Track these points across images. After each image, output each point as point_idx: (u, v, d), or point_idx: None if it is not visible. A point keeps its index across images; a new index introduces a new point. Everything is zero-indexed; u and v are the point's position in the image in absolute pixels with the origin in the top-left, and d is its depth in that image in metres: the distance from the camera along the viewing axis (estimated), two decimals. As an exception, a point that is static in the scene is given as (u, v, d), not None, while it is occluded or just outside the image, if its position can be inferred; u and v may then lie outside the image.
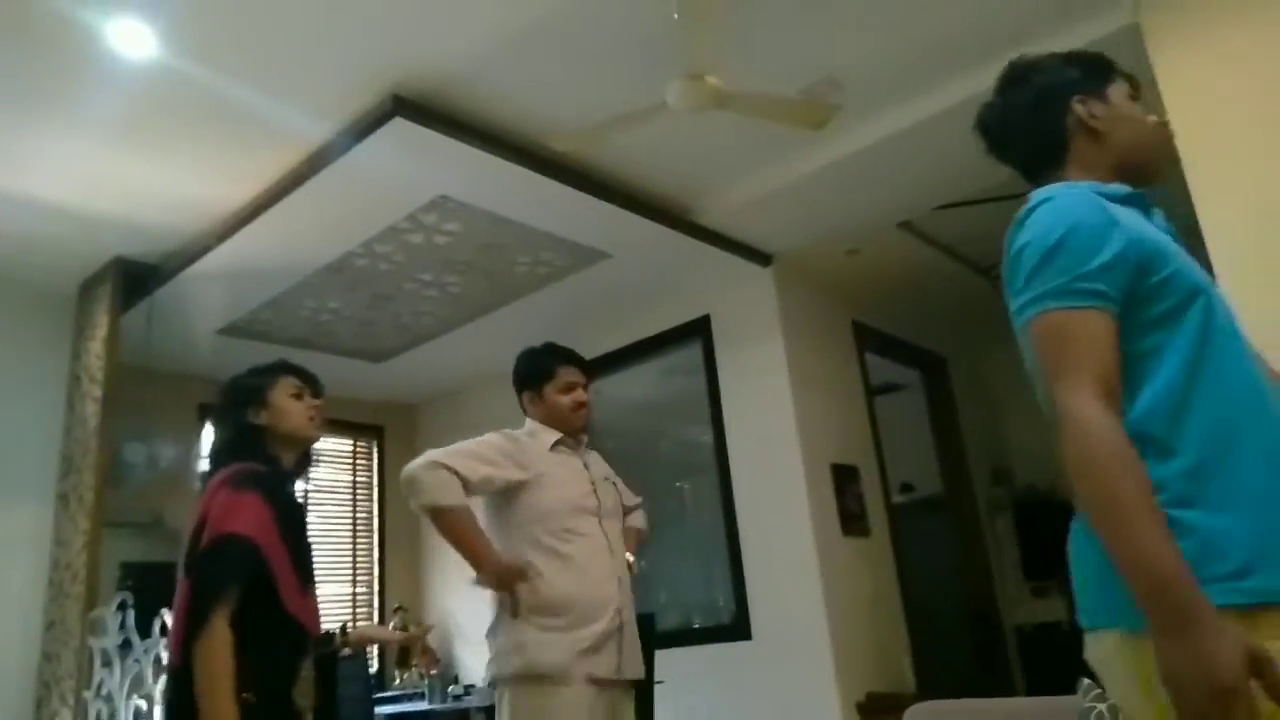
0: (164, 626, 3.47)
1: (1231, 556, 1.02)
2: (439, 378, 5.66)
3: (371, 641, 3.08)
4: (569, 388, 2.50)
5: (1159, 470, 1.07)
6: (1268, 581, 1.00)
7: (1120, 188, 1.29)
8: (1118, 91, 1.37)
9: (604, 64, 3.00)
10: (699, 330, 4.70)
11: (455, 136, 3.15)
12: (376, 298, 4.40)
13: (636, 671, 2.32)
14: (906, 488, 5.79)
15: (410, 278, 4.24)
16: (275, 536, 1.78)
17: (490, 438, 2.36)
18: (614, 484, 2.55)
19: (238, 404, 1.97)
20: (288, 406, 1.98)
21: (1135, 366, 1.14)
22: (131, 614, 3.47)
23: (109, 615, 3.48)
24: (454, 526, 2.20)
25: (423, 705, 4.36)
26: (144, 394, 4.28)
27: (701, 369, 4.66)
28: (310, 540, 1.96)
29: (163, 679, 3.44)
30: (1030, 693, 4.84)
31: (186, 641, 1.69)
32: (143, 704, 3.37)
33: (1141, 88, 1.42)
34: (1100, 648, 1.10)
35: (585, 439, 2.56)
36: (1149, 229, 1.23)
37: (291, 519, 1.87)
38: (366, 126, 3.07)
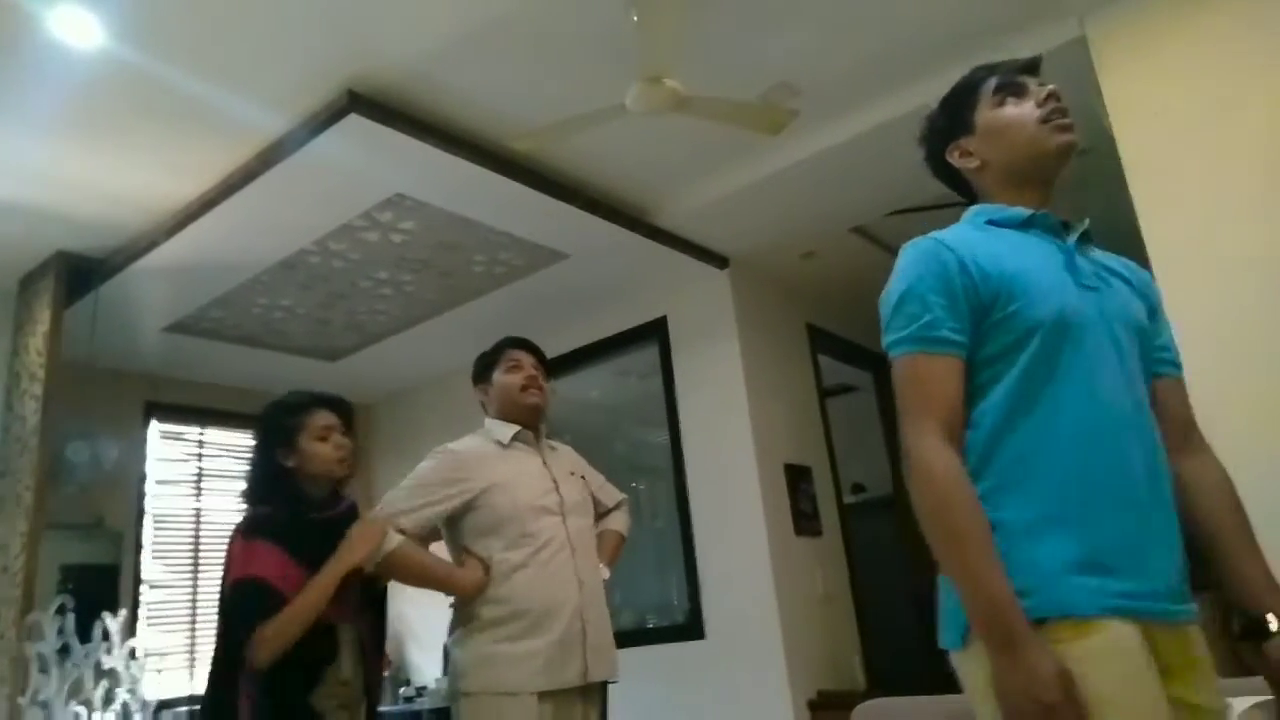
0: (105, 631, 3.39)
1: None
2: (393, 377, 5.60)
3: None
4: (515, 366, 2.41)
5: None
6: (1034, 605, 1.11)
7: (1018, 212, 1.34)
8: (984, 112, 1.39)
9: (563, 64, 3.00)
10: (655, 331, 4.72)
11: (412, 134, 3.12)
12: (330, 296, 4.35)
13: (605, 673, 2.25)
14: (858, 488, 5.88)
15: (365, 276, 4.19)
16: (293, 569, 1.94)
17: (426, 468, 2.25)
18: (583, 478, 2.46)
19: (268, 444, 2.10)
20: (315, 451, 2.09)
21: (969, 401, 1.25)
22: (71, 618, 3.38)
23: (47, 620, 3.38)
24: (403, 565, 2.12)
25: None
26: (87, 392, 4.17)
27: (658, 370, 4.68)
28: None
29: (103, 684, 3.37)
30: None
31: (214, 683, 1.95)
32: (81, 710, 3.28)
33: (1034, 62, 1.44)
34: (956, 665, 1.22)
35: (545, 429, 2.46)
36: (1013, 263, 1.27)
37: (313, 544, 2.00)
38: (321, 122, 3.03)
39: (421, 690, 4.85)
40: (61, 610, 3.39)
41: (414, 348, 5.09)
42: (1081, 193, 4.11)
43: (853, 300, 5.21)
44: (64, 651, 3.36)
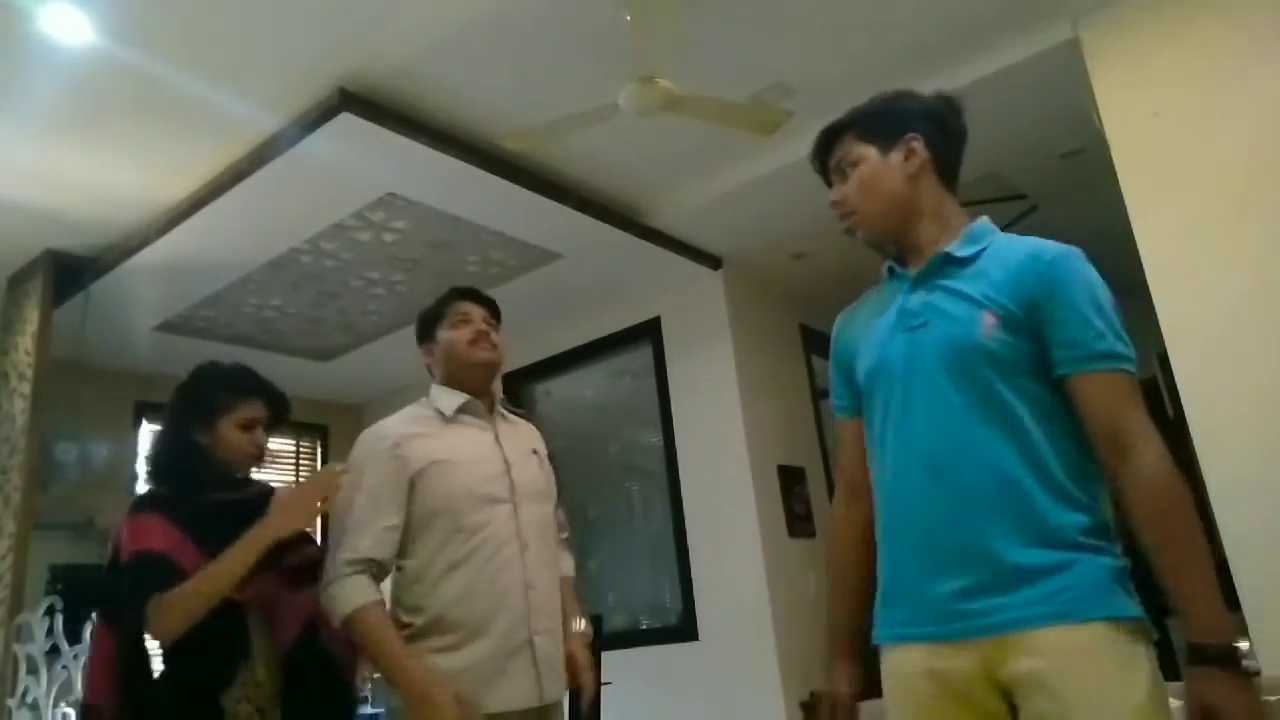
0: (94, 633, 3.36)
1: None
2: (385, 378, 5.57)
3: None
4: (463, 320, 1.99)
5: None
6: (877, 633, 1.39)
7: (890, 268, 1.49)
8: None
9: (556, 63, 2.99)
10: (649, 332, 4.71)
11: (404, 133, 3.10)
12: (322, 295, 4.33)
13: (558, 692, 1.85)
14: (852, 490, 5.87)
15: (357, 276, 4.17)
16: (189, 549, 1.71)
17: (367, 467, 1.82)
18: (542, 458, 2.03)
19: (185, 414, 1.88)
20: (232, 440, 1.86)
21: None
22: (60, 619, 3.35)
23: (36, 620, 3.36)
24: (361, 631, 1.71)
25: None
26: (77, 391, 4.15)
27: (651, 371, 4.67)
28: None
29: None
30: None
31: (117, 681, 1.71)
32: (70, 711, 3.26)
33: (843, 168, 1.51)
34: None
35: (499, 398, 2.03)
36: (861, 329, 1.49)
37: (210, 526, 1.75)
38: (312, 121, 3.01)
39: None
40: (50, 611, 3.36)
41: (406, 348, 5.00)
42: (1074, 193, 4.13)
43: (847, 301, 5.18)
44: (53, 652, 3.33)
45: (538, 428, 2.15)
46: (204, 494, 1.83)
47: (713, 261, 4.47)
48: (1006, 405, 1.26)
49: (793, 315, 4.98)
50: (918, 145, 1.42)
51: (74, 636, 3.34)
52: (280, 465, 5.64)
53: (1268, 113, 2.58)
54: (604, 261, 4.29)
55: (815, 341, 5.07)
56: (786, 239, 4.38)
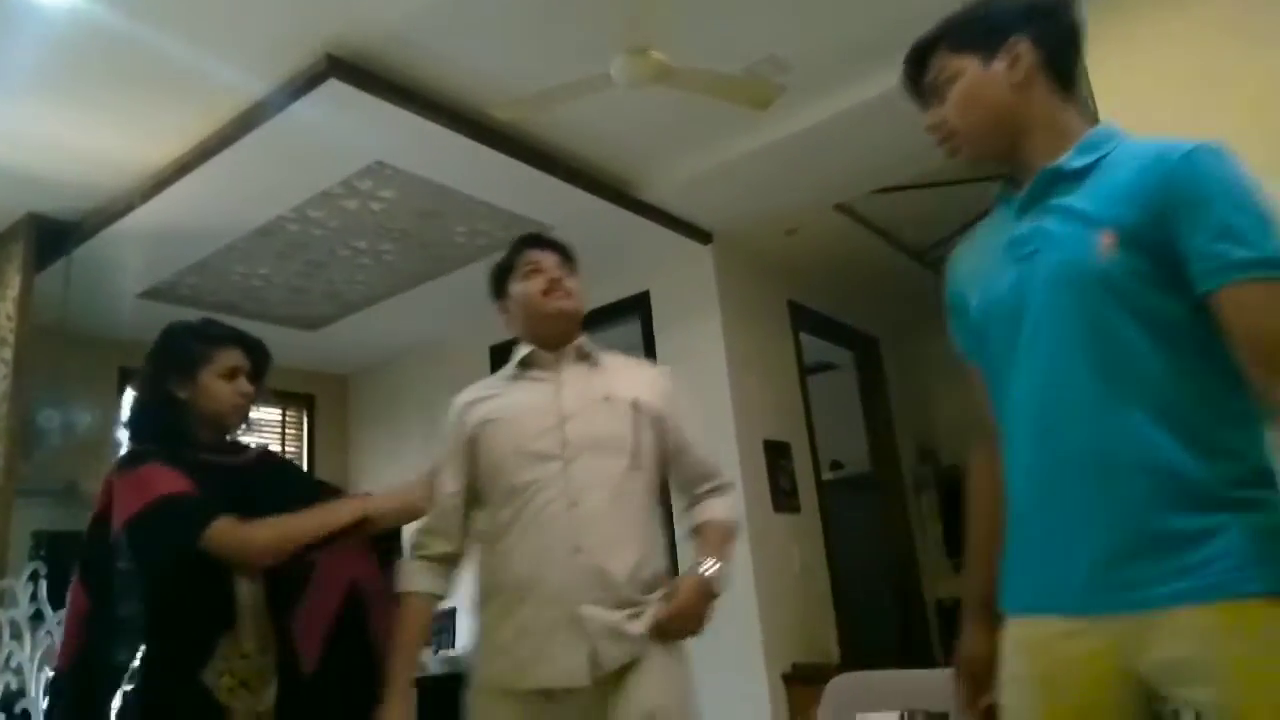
0: (70, 595, 3.36)
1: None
2: (372, 348, 5.55)
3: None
4: (534, 270, 1.87)
5: None
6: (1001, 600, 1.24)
7: (1000, 192, 1.33)
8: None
9: (548, 32, 2.95)
10: (638, 306, 4.70)
11: (393, 101, 3.06)
12: (309, 264, 4.29)
13: (619, 657, 1.63)
14: (836, 465, 5.92)
15: (344, 245, 4.14)
16: (197, 489, 1.63)
17: (446, 438, 1.85)
18: (619, 403, 1.79)
19: (163, 369, 1.78)
20: (215, 389, 1.77)
21: None
22: (44, 585, 3.34)
23: (19, 586, 3.35)
24: (400, 614, 1.74)
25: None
26: (60, 357, 4.10)
27: (640, 345, 4.66)
28: (262, 489, 1.78)
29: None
30: (948, 664, 5.00)
31: (80, 650, 1.63)
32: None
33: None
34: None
35: (578, 342, 1.89)
36: (972, 264, 1.34)
37: (214, 489, 1.66)
38: (299, 87, 2.97)
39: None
40: (34, 577, 3.35)
41: (393, 319, 5.05)
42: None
43: (835, 278, 5.21)
44: (37, 618, 3.32)
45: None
46: (194, 453, 1.72)
47: (703, 236, 4.46)
48: (1128, 344, 1.09)
49: (782, 292, 4.98)
50: (1024, 49, 1.22)
51: (58, 602, 3.34)
52: (266, 434, 5.61)
53: (1266, 93, 2.58)
54: (593, 234, 4.25)
55: (804, 318, 5.07)
56: (778, 215, 4.37)
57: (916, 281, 5.50)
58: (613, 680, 1.61)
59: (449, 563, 1.78)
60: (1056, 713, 1.11)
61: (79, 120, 3.19)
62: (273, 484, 1.84)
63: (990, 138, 1.27)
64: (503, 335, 5.06)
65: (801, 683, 3.89)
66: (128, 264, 4.07)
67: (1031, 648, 1.15)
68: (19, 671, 3.29)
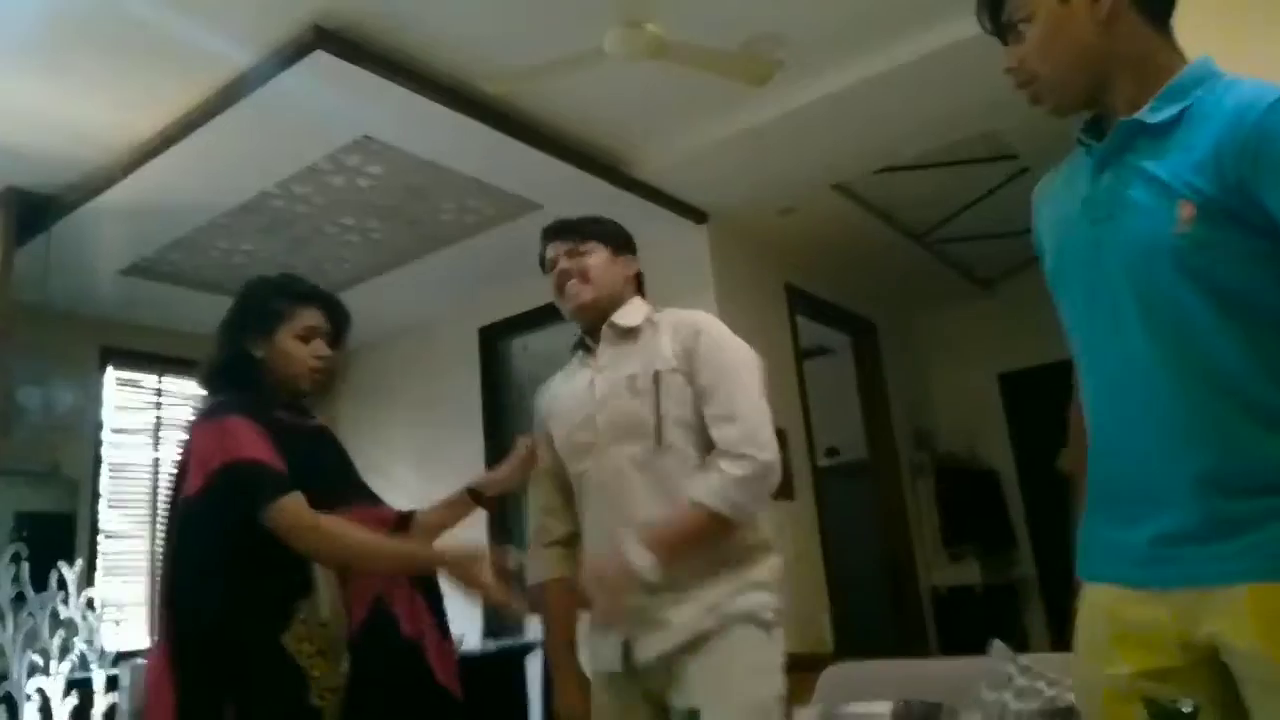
0: (60, 580, 3.32)
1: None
2: (359, 327, 5.22)
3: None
4: (551, 264, 1.87)
5: None
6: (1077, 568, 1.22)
7: (1079, 136, 1.21)
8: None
9: (541, 4, 2.88)
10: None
11: (381, 74, 2.99)
12: (294, 241, 4.23)
13: (657, 647, 1.60)
14: (832, 451, 5.87)
15: (330, 221, 4.07)
16: (280, 462, 1.59)
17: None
18: (639, 379, 1.69)
19: (241, 326, 1.77)
20: (291, 350, 1.75)
21: None
22: (26, 566, 3.31)
23: (1, 568, 3.31)
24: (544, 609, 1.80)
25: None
26: (40, 335, 4.04)
27: (632, 326, 4.61)
28: (333, 460, 1.81)
29: (59, 634, 3.29)
30: (944, 653, 4.99)
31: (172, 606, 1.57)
32: (38, 659, 3.23)
33: None
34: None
35: (613, 318, 1.79)
36: (1051, 208, 1.26)
37: (293, 446, 1.65)
38: (285, 59, 2.90)
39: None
40: (16, 559, 3.32)
41: (380, 298, 4.97)
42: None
43: (833, 260, 5.15)
44: (19, 600, 3.29)
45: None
46: (269, 410, 1.70)
47: (697, 215, 4.39)
48: (1199, 321, 1.03)
49: (779, 273, 4.92)
50: None
51: (40, 584, 3.29)
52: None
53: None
54: (585, 213, 4.19)
55: (801, 300, 5.01)
56: (774, 194, 4.30)
57: (915, 264, 5.44)
58: (678, 660, 1.58)
59: (572, 543, 1.78)
60: (1126, 671, 1.11)
61: (59, 91, 3.11)
62: (335, 456, 1.85)
63: (1075, 83, 1.15)
64: (492, 316, 5.05)
65: (795, 671, 3.84)
66: (109, 240, 4.01)
67: (1102, 611, 1.15)
68: (2, 654, 3.25)
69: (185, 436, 1.67)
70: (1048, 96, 1.18)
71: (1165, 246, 1.04)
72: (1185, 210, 1.02)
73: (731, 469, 1.61)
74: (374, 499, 1.87)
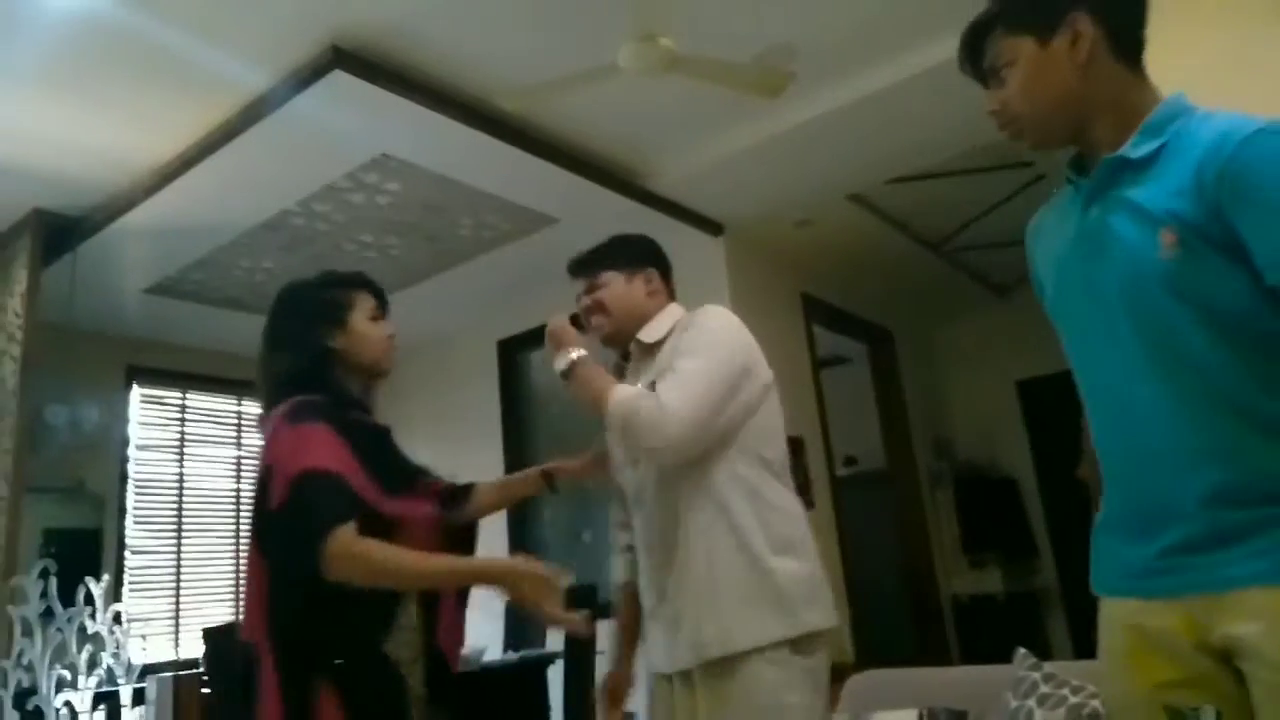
0: (88, 595, 3.36)
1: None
2: (381, 342, 5.52)
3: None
4: (578, 300, 1.97)
5: None
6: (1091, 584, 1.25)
7: (1068, 175, 1.27)
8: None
9: (555, 21, 2.91)
10: (647, 299, 4.65)
11: (398, 92, 3.03)
12: (314, 259, 4.26)
13: (688, 658, 1.61)
14: (850, 461, 5.85)
15: (350, 238, 4.11)
16: (355, 466, 1.51)
17: None
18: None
19: (313, 321, 1.67)
20: (369, 332, 1.69)
21: None
22: (54, 581, 3.35)
23: (30, 583, 3.35)
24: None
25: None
26: (67, 354, 4.10)
27: (649, 339, 4.62)
28: (397, 459, 1.71)
29: (87, 648, 3.33)
30: (965, 662, 4.95)
31: (271, 617, 1.48)
32: (65, 673, 3.26)
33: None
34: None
35: (639, 336, 1.89)
36: (1046, 242, 1.32)
37: (369, 443, 1.58)
38: (304, 79, 2.94)
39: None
40: (44, 574, 3.36)
41: (399, 314, 4.92)
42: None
43: (849, 270, 5.14)
44: (47, 615, 3.33)
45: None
46: (346, 411, 1.61)
47: (713, 228, 4.40)
48: (1193, 342, 1.07)
49: (795, 284, 4.92)
50: (1084, 25, 1.15)
51: (68, 599, 3.33)
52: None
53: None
54: (601, 227, 4.14)
55: (817, 310, 5.01)
56: (790, 206, 4.31)
57: (931, 273, 5.42)
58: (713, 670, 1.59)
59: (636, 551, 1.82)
60: (1147, 683, 1.13)
61: (83, 115, 3.17)
62: (399, 454, 1.76)
63: (1056, 123, 1.21)
64: (510, 329, 5.08)
65: (816, 680, 3.84)
66: (133, 260, 4.07)
67: (1118, 624, 1.18)
68: (30, 668, 3.29)
69: (263, 443, 1.59)
70: (1030, 135, 1.24)
71: (1153, 272, 1.09)
72: (1168, 236, 1.08)
73: (647, 403, 1.64)
74: (427, 477, 1.80)
